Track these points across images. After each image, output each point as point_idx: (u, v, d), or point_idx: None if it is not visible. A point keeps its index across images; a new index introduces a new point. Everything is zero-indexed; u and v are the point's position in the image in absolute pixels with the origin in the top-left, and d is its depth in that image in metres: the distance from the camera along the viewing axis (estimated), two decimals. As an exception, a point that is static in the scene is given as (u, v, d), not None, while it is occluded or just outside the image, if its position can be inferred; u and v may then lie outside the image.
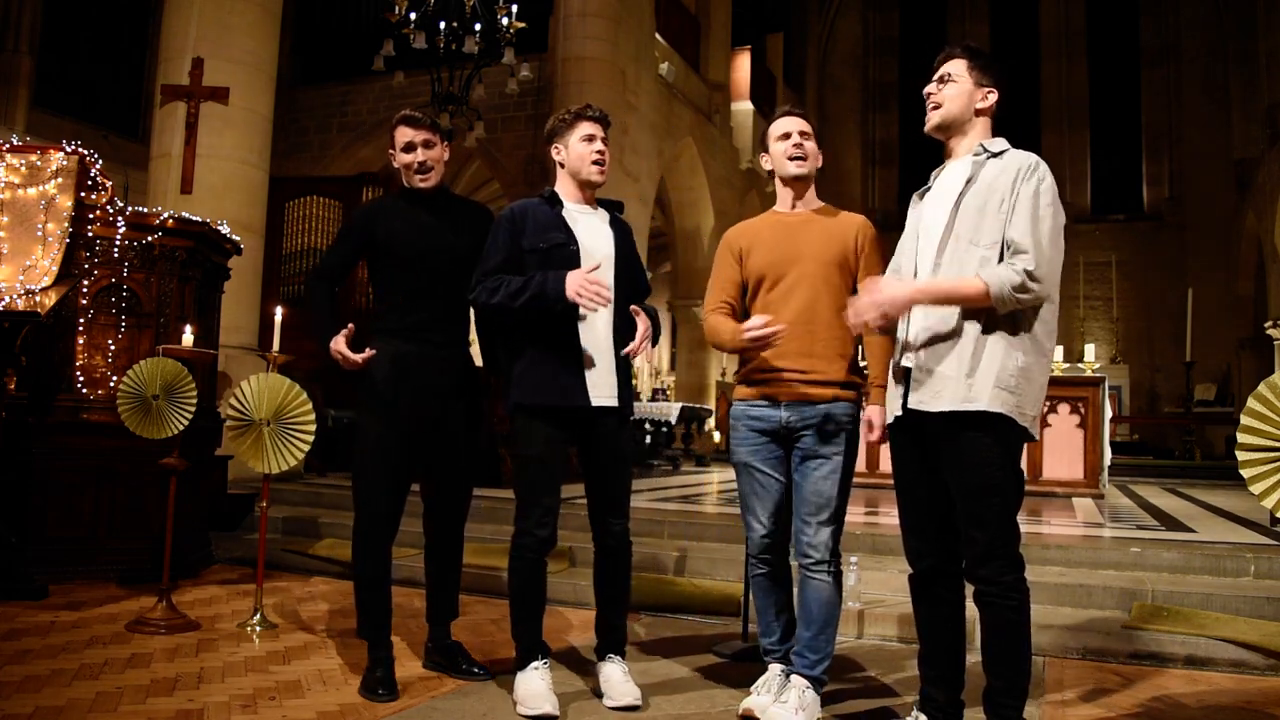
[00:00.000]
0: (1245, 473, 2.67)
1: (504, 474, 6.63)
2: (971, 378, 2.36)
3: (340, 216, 9.72)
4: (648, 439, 10.79)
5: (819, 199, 3.01)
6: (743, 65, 17.70)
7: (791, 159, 2.92)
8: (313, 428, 3.85)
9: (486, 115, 11.65)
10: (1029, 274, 2.30)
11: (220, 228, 5.19)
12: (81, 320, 4.73)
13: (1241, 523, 5.79)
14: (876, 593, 4.12)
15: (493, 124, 12.23)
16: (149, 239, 4.81)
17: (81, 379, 4.72)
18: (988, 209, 2.40)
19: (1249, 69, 17.40)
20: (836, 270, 2.85)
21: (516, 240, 2.97)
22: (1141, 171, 21.01)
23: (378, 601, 3.06)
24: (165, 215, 4.90)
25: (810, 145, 2.94)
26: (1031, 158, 2.44)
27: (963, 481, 2.38)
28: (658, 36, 13.94)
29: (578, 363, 2.91)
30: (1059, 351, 8.38)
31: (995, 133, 2.56)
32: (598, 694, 2.95)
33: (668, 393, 15.84)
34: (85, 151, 4.61)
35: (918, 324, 2.49)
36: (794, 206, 2.97)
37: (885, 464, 7.57)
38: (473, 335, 3.19)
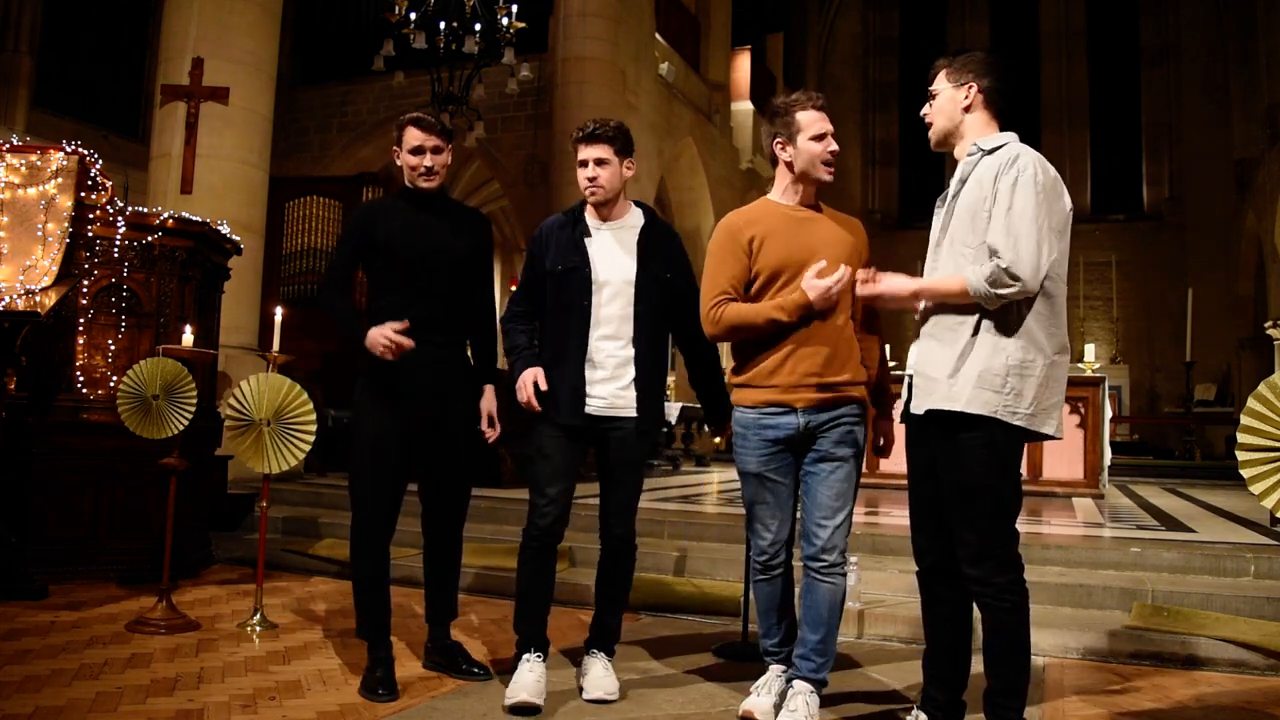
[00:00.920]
0: (1245, 473, 2.67)
1: (504, 474, 6.63)
2: (953, 378, 2.37)
3: (340, 216, 9.73)
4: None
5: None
6: (743, 65, 17.69)
7: (825, 164, 2.80)
8: (313, 428, 3.85)
9: (486, 115, 11.66)
10: (1005, 270, 2.27)
11: (220, 228, 5.19)
12: (81, 320, 4.72)
13: (1241, 523, 5.79)
14: (876, 593, 4.12)
15: (493, 124, 12.24)
16: (149, 239, 4.81)
17: (81, 379, 4.72)
18: (976, 209, 2.40)
19: (1249, 69, 17.39)
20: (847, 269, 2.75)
21: (540, 261, 3.06)
22: (1141, 171, 21.00)
23: (377, 601, 3.06)
24: (165, 215, 4.90)
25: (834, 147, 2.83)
26: (1015, 150, 2.40)
27: (953, 482, 2.39)
28: (658, 36, 13.94)
29: (580, 382, 2.94)
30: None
31: (1001, 124, 2.53)
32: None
33: (668, 393, 15.82)
34: (85, 151, 4.61)
35: (920, 327, 2.53)
36: (801, 204, 2.87)
37: (885, 464, 7.58)
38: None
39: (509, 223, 15.65)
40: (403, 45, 10.16)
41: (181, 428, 3.90)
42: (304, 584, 4.74)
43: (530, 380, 2.93)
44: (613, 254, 3.03)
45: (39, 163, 4.48)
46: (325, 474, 7.30)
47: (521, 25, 10.11)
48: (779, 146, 2.82)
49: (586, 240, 3.03)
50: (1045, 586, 3.99)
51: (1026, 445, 2.48)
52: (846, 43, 23.19)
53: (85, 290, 4.71)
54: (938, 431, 2.40)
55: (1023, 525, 2.56)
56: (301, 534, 5.56)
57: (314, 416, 3.86)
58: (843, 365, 2.75)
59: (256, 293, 7.60)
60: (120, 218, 4.73)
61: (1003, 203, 2.33)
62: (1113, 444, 9.48)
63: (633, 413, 2.98)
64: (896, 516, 5.52)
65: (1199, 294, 14.83)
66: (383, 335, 2.89)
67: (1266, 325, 15.71)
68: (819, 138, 2.77)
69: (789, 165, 2.82)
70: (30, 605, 3.94)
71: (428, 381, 3.06)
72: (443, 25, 10.14)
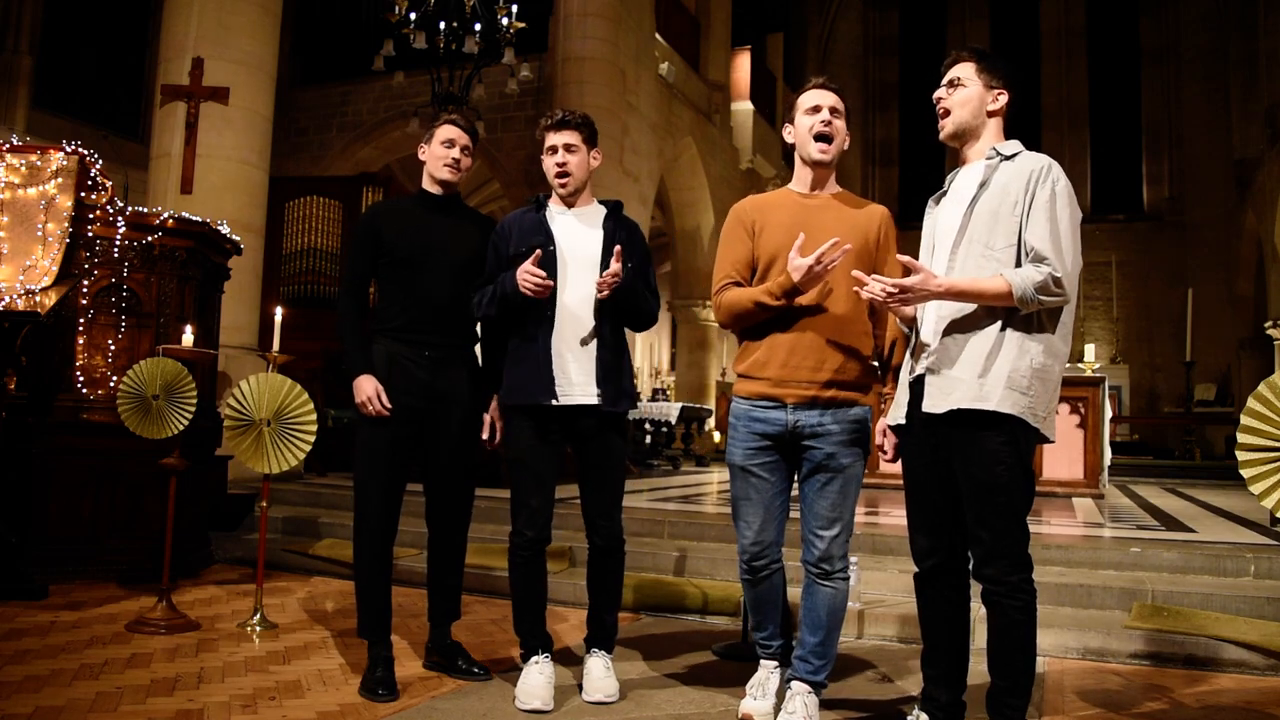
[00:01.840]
0: (1245, 473, 2.67)
1: (503, 474, 6.62)
2: (983, 378, 2.35)
3: (340, 216, 9.72)
4: (648, 439, 10.80)
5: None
6: (743, 65, 17.69)
7: (818, 138, 2.69)
8: (314, 428, 3.85)
9: (486, 115, 11.66)
10: (1054, 278, 2.30)
11: (220, 228, 5.19)
12: (81, 320, 4.72)
13: (1241, 523, 5.79)
14: (876, 593, 4.12)
15: (493, 124, 12.24)
16: (149, 239, 4.81)
17: (81, 379, 4.72)
18: (1001, 213, 2.39)
19: (1249, 69, 17.39)
20: (856, 261, 2.62)
21: (503, 250, 3.03)
22: (1141, 171, 21.01)
23: (377, 601, 3.06)
24: (165, 215, 4.90)
25: (840, 124, 2.71)
26: (1044, 160, 2.42)
27: (971, 480, 2.38)
28: (658, 36, 13.94)
29: (548, 362, 2.91)
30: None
31: (1006, 134, 2.55)
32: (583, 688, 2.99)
33: (668, 393, 15.83)
34: (85, 151, 4.61)
35: (929, 327, 2.49)
36: (813, 190, 2.77)
37: (885, 464, 7.57)
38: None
39: (509, 223, 15.62)
40: (403, 45, 10.17)
41: (181, 428, 3.90)
42: (304, 584, 4.74)
43: (524, 269, 2.84)
44: (578, 234, 3.02)
45: (39, 163, 4.48)
46: (325, 474, 7.30)
47: (521, 25, 10.12)
48: (786, 132, 2.80)
49: (550, 222, 3.01)
50: (1045, 586, 3.95)
51: None
52: (846, 43, 23.20)
53: (85, 290, 4.71)
54: (955, 431, 2.38)
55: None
56: (301, 534, 5.56)
57: (314, 416, 3.86)
58: (840, 362, 2.65)
59: (256, 293, 7.60)
60: (120, 218, 4.73)
61: (1044, 214, 2.34)
62: (1113, 444, 9.49)
63: (597, 399, 2.92)
64: (896, 516, 5.52)
65: (1199, 294, 14.85)
66: (367, 394, 2.97)
67: (1266, 325, 15.77)
68: (812, 110, 2.71)
69: (794, 149, 2.78)
70: (30, 605, 3.94)
71: (427, 382, 3.07)
72: (443, 25, 10.15)
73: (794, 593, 2.90)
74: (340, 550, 4.93)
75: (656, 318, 3.13)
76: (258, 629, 3.69)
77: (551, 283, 2.88)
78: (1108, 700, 3.06)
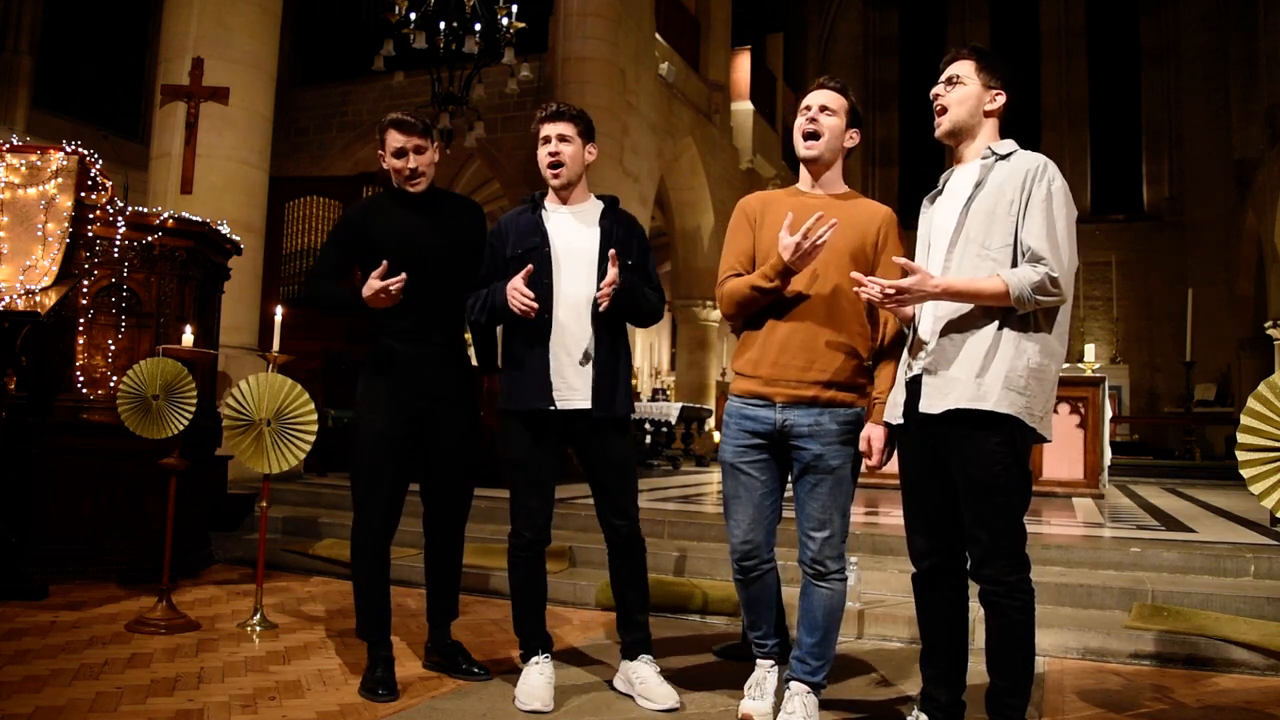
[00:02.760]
0: (1245, 473, 2.67)
1: (503, 474, 6.62)
2: (981, 378, 2.35)
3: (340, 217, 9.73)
4: (648, 439, 10.80)
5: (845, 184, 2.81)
6: (743, 65, 17.69)
7: (804, 136, 2.71)
8: (314, 428, 3.85)
9: (486, 115, 11.65)
10: (1050, 278, 2.30)
11: (220, 228, 5.19)
12: (81, 320, 4.72)
13: (1241, 523, 5.79)
14: (876, 593, 4.12)
15: (493, 124, 12.23)
16: (149, 239, 4.81)
17: (81, 379, 4.72)
18: (997, 212, 2.39)
19: (1249, 69, 17.39)
20: (850, 262, 2.62)
21: (500, 252, 3.01)
22: (1141, 171, 21.01)
23: (377, 601, 3.05)
24: (165, 215, 4.90)
25: (831, 122, 2.69)
26: (1040, 159, 2.42)
27: (969, 480, 2.38)
28: (658, 36, 13.93)
29: (545, 366, 2.89)
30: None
31: (1002, 133, 2.55)
32: (612, 687, 3.01)
33: (668, 393, 15.82)
34: (85, 151, 4.61)
35: (927, 327, 2.49)
36: (814, 188, 2.76)
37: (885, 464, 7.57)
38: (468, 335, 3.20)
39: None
40: (403, 45, 10.16)
41: (181, 428, 3.90)
42: (304, 584, 4.74)
43: (514, 287, 2.80)
44: (573, 232, 2.98)
45: (39, 163, 4.48)
46: (325, 474, 7.30)
47: (521, 25, 10.11)
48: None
49: (545, 221, 2.99)
50: (1045, 586, 3.97)
51: None
52: (846, 43, 23.20)
53: (85, 290, 4.71)
54: (952, 430, 2.38)
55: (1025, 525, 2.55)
56: (301, 534, 5.56)
57: (314, 416, 3.86)
58: (831, 362, 2.64)
59: (256, 293, 7.60)
60: (120, 218, 4.73)
61: (1040, 213, 2.34)
62: (1113, 444, 9.48)
63: (595, 403, 2.89)
64: (896, 516, 5.51)
65: (1199, 294, 14.85)
66: (374, 290, 2.86)
67: (1266, 325, 15.78)
68: (804, 109, 2.72)
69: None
70: (30, 605, 3.94)
71: (428, 380, 3.06)
72: (443, 25, 10.14)
73: (792, 592, 2.89)
74: (340, 550, 4.93)
75: (661, 313, 3.10)
76: (258, 629, 3.69)
77: (536, 306, 2.83)
78: (1108, 700, 3.06)
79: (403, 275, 2.87)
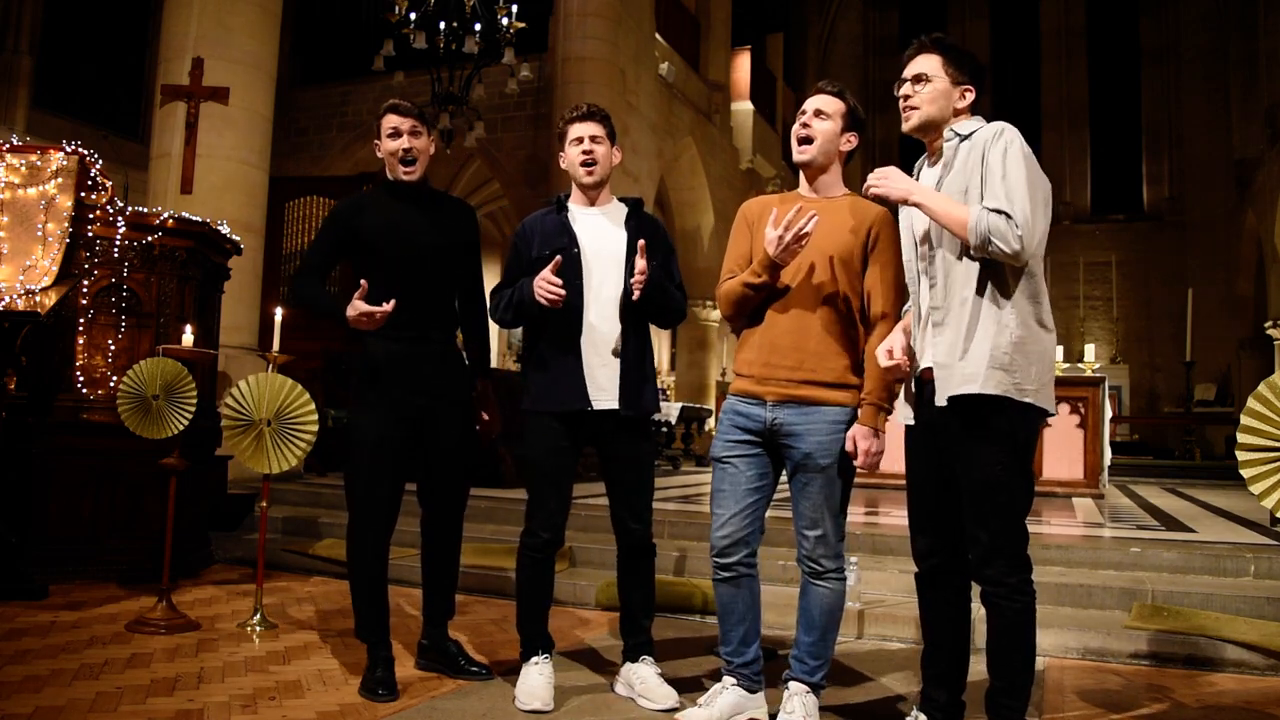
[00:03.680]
0: (1245, 473, 2.67)
1: (504, 474, 6.63)
2: (965, 360, 2.35)
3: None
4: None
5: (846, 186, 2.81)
6: (743, 65, 17.69)
7: (797, 141, 2.73)
8: (314, 428, 3.85)
9: (486, 115, 11.65)
10: (1014, 226, 2.24)
11: (220, 228, 5.19)
12: (81, 320, 4.72)
13: (1241, 523, 5.79)
14: (876, 592, 4.12)
15: (493, 124, 12.23)
16: (149, 239, 4.80)
17: (81, 379, 4.72)
18: (970, 192, 2.38)
19: (1249, 69, 17.41)
20: (840, 264, 2.65)
21: (525, 254, 2.99)
22: (1141, 171, 21.02)
23: (376, 602, 3.05)
24: (165, 215, 4.90)
25: (824, 126, 2.69)
26: (998, 125, 2.39)
27: (971, 479, 2.37)
28: (658, 36, 13.94)
29: (578, 366, 2.90)
30: (1059, 351, 8.38)
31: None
32: (613, 690, 3.00)
33: (668, 393, 15.83)
34: (85, 151, 4.61)
35: (920, 327, 2.50)
36: (812, 191, 2.77)
37: (886, 464, 7.56)
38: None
39: (509, 223, 15.65)
40: (403, 45, 10.17)
41: (181, 428, 3.90)
42: (304, 584, 4.74)
43: (543, 278, 2.81)
44: (602, 233, 2.98)
45: (39, 163, 4.48)
46: (325, 474, 7.30)
47: (521, 25, 10.11)
48: None
49: (573, 223, 2.99)
50: (1045, 586, 3.96)
51: None
52: (846, 43, 23.22)
53: (85, 290, 4.71)
54: (956, 426, 2.38)
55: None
56: (301, 534, 5.56)
57: (315, 416, 3.86)
58: (820, 363, 2.65)
59: (256, 293, 7.60)
60: (120, 218, 4.72)
61: (996, 170, 2.32)
62: (1113, 444, 9.49)
63: (627, 403, 2.91)
64: (896, 516, 5.52)
65: (1199, 294, 14.85)
66: (357, 312, 2.85)
67: (1266, 325, 15.78)
68: (800, 115, 2.75)
69: None
70: (30, 605, 3.94)
71: (427, 377, 3.05)
72: (443, 25, 10.15)
73: (793, 592, 2.89)
74: (340, 550, 4.92)
75: (685, 313, 3.12)
76: (258, 629, 3.69)
77: (564, 293, 2.83)
78: (1108, 700, 3.06)
79: (390, 303, 2.86)
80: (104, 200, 4.69)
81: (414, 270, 3.04)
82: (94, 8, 13.91)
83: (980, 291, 2.37)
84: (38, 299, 4.24)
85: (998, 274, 2.36)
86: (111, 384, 4.65)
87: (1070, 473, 7.34)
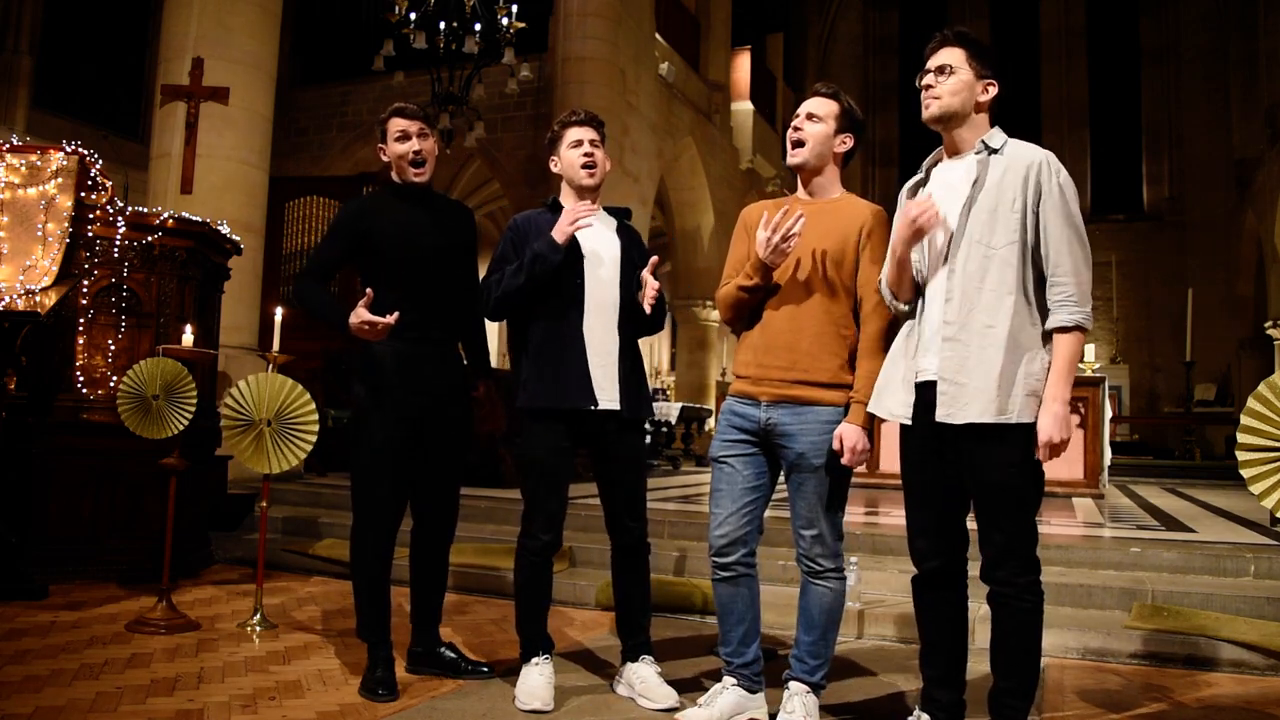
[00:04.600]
0: (1245, 473, 2.67)
1: (504, 474, 6.63)
2: (1002, 390, 2.31)
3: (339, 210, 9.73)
4: (648, 439, 10.80)
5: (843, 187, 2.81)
6: (743, 65, 17.69)
7: (790, 145, 2.74)
8: (315, 428, 3.85)
9: (486, 115, 11.65)
10: (1081, 307, 2.33)
11: (220, 228, 5.19)
12: (81, 320, 4.72)
13: (1241, 523, 5.79)
14: (876, 592, 4.12)
15: (493, 124, 12.23)
16: (149, 239, 4.80)
17: (81, 379, 4.72)
18: (999, 211, 2.36)
19: (1249, 69, 17.40)
20: (832, 265, 2.66)
21: (520, 247, 2.98)
22: (1141, 171, 21.01)
23: (377, 602, 3.05)
24: (165, 215, 4.90)
25: (816, 129, 2.70)
26: (1040, 154, 2.40)
27: (985, 484, 2.36)
28: (658, 36, 13.93)
29: (585, 365, 2.90)
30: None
31: (993, 125, 2.51)
32: (613, 690, 3.00)
33: (668, 393, 15.83)
34: (85, 151, 4.61)
35: (934, 328, 2.42)
36: (808, 194, 2.78)
37: (886, 464, 7.57)
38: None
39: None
40: (403, 45, 10.16)
41: (181, 428, 3.90)
42: (304, 584, 4.74)
43: (565, 222, 2.87)
44: (597, 237, 3.01)
45: (39, 163, 4.48)
46: (325, 474, 7.30)
47: (521, 25, 10.11)
48: None
49: None
50: (1045, 586, 3.90)
51: None
52: (846, 43, 23.20)
53: (85, 290, 4.71)
54: (967, 437, 2.35)
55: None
56: (301, 534, 5.56)
57: (315, 416, 3.86)
58: (813, 363, 2.65)
59: (256, 293, 7.60)
60: (120, 218, 4.73)
61: (1060, 224, 2.34)
62: (1113, 444, 9.48)
63: (625, 404, 2.94)
64: (896, 516, 5.52)
65: (1199, 294, 14.84)
66: (360, 321, 2.85)
67: (1266, 325, 15.78)
68: (794, 118, 2.76)
69: None
70: (30, 605, 3.94)
71: (429, 378, 3.06)
72: (443, 25, 10.15)
73: (791, 592, 2.88)
74: (340, 550, 4.92)
75: (663, 325, 3.15)
76: (258, 629, 3.69)
77: (594, 222, 2.91)
78: (1108, 700, 3.06)
79: (394, 315, 2.87)
80: (104, 200, 4.69)
81: (417, 271, 3.06)
82: (94, 8, 13.91)
83: (1010, 319, 2.35)
84: (38, 299, 4.24)
85: (1028, 302, 2.36)
86: (111, 384, 4.65)
87: (1070, 473, 7.34)
